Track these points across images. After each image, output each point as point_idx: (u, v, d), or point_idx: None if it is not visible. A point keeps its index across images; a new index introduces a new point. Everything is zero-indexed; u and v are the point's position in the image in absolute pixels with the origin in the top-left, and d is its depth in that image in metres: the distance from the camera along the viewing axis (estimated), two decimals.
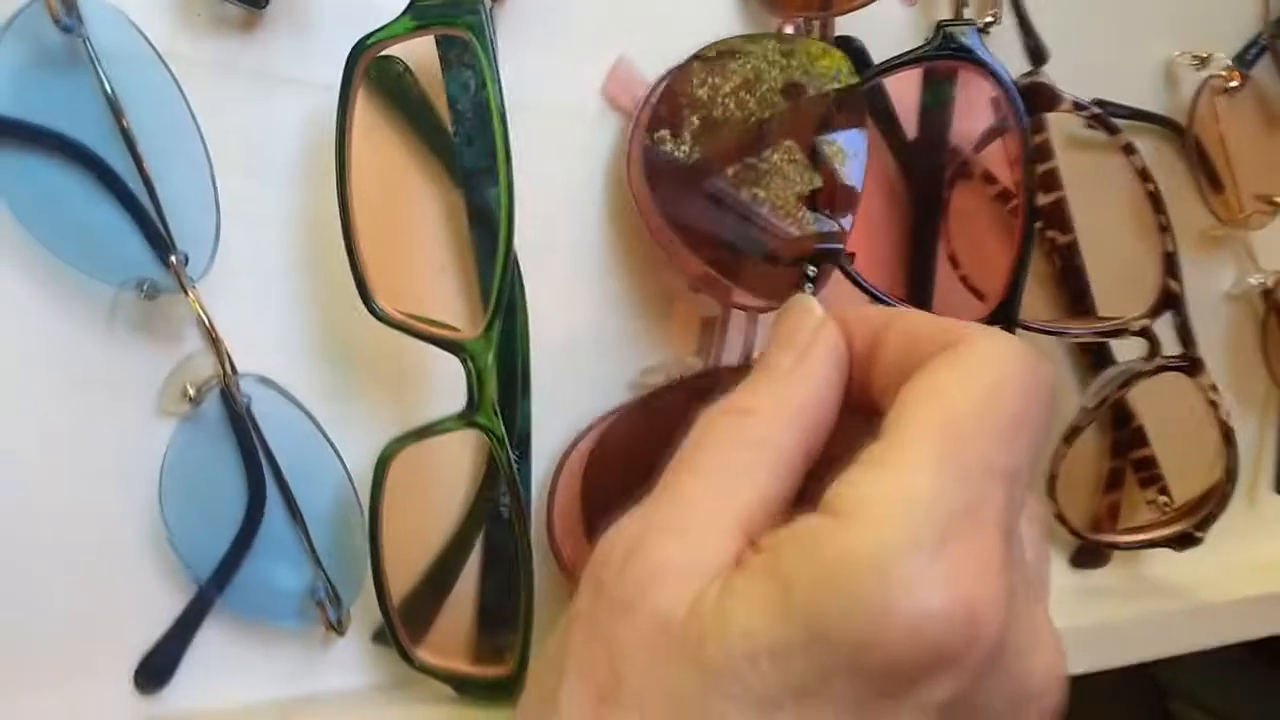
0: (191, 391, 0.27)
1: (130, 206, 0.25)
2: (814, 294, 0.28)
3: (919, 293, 0.34)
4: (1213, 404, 0.36)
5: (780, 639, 0.18)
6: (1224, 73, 0.38)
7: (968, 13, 0.33)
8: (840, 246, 0.29)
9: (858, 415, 0.23)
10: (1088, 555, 0.40)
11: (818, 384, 0.23)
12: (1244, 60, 0.40)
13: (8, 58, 0.24)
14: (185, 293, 0.26)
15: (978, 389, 0.20)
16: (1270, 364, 0.42)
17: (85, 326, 0.26)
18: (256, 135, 0.27)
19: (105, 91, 0.25)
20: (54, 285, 0.26)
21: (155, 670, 0.28)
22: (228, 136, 0.27)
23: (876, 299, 0.32)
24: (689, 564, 0.20)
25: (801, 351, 0.23)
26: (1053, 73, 0.35)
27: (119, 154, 0.25)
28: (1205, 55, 0.38)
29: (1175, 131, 0.39)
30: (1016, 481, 0.20)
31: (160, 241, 0.26)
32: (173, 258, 0.26)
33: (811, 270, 0.28)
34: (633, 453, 0.30)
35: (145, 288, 0.26)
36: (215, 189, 0.26)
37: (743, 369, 0.31)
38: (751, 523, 0.20)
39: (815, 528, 0.19)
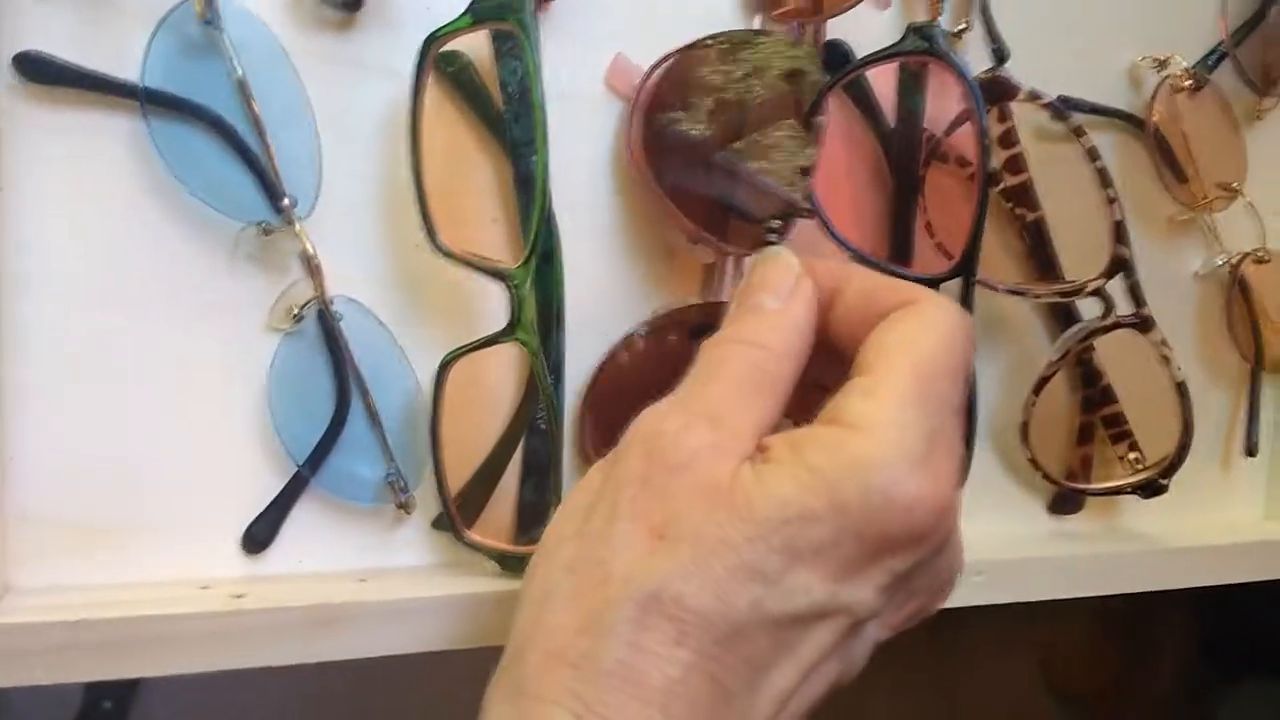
0: (295, 310, 0.34)
1: (252, 163, 0.33)
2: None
3: (901, 256, 0.40)
4: (1165, 359, 0.41)
5: (809, 508, 0.24)
6: (1179, 73, 0.43)
7: (943, 20, 0.39)
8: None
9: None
10: (1063, 502, 0.45)
11: (806, 326, 0.29)
12: (1206, 64, 0.45)
13: (162, 46, 0.32)
14: (292, 230, 0.33)
15: (936, 339, 0.27)
16: (1236, 337, 0.47)
17: (214, 256, 0.33)
18: (352, 111, 0.34)
19: (236, 74, 0.32)
20: (192, 223, 0.33)
21: (258, 536, 0.34)
22: (331, 111, 0.34)
23: (865, 262, 0.38)
24: (725, 446, 0.26)
25: (786, 296, 0.29)
26: (1030, 74, 0.41)
27: (246, 122, 0.32)
28: (1164, 59, 0.44)
29: (1137, 126, 0.44)
30: (959, 411, 0.27)
31: (275, 190, 0.33)
32: (285, 201, 0.33)
33: (775, 223, 0.34)
34: (642, 369, 0.37)
35: (262, 225, 0.33)
36: (319, 152, 0.33)
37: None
38: (760, 429, 0.27)
39: (835, 435, 0.25)
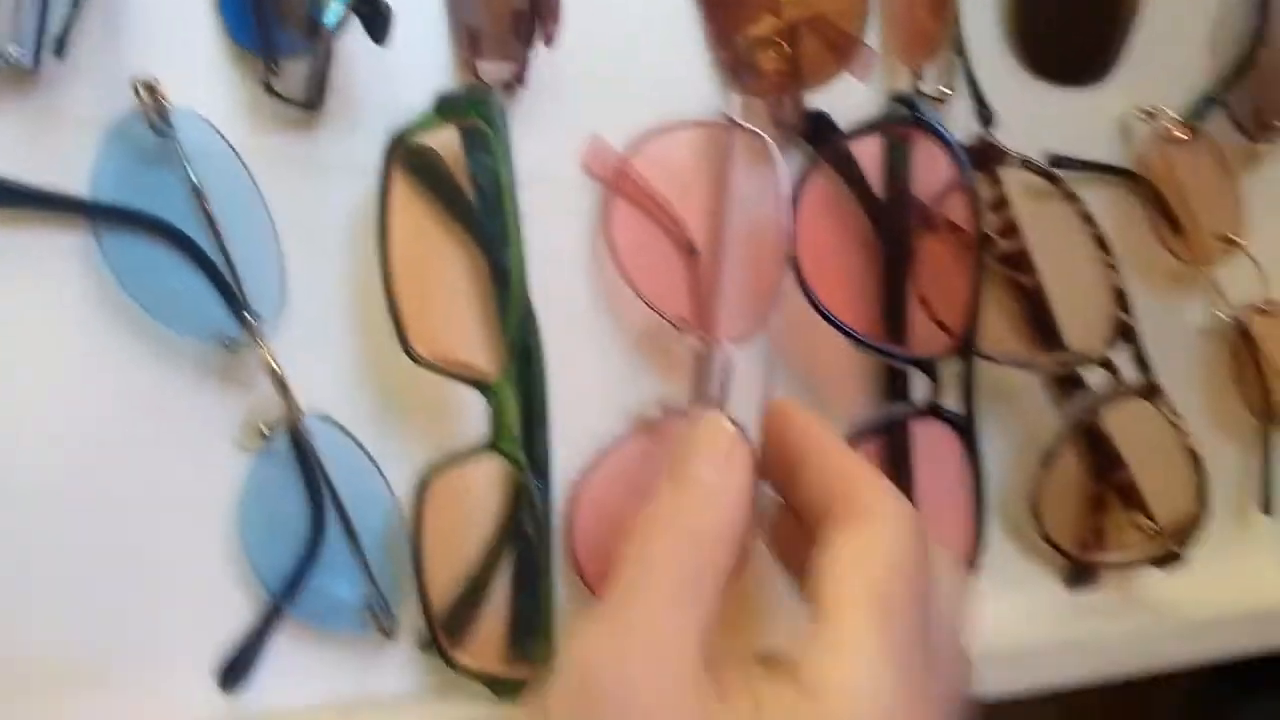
0: (264, 430, 0.32)
1: (212, 275, 0.31)
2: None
3: (896, 332, 0.38)
4: (1175, 427, 0.40)
5: None
6: (1170, 125, 0.42)
7: (925, 85, 0.38)
8: None
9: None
10: (1078, 576, 0.43)
11: (745, 499, 0.27)
12: (1197, 113, 0.44)
13: (112, 155, 0.30)
14: (257, 345, 0.31)
15: (891, 563, 0.25)
16: (1244, 392, 0.45)
17: (175, 376, 0.31)
18: (317, 212, 0.33)
19: (192, 182, 0.30)
20: (150, 342, 0.31)
21: (234, 671, 0.32)
22: (294, 214, 0.32)
23: (859, 343, 0.36)
24: (665, 672, 0.23)
25: (723, 466, 0.27)
26: (1017, 130, 0.40)
27: (203, 232, 0.31)
28: (1153, 110, 0.42)
29: (1131, 179, 0.43)
30: (925, 633, 0.25)
31: (237, 303, 0.31)
32: (246, 315, 0.31)
33: None
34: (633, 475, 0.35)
35: (225, 342, 0.31)
36: (281, 258, 0.32)
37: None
38: (701, 634, 0.24)
39: (795, 704, 0.23)
